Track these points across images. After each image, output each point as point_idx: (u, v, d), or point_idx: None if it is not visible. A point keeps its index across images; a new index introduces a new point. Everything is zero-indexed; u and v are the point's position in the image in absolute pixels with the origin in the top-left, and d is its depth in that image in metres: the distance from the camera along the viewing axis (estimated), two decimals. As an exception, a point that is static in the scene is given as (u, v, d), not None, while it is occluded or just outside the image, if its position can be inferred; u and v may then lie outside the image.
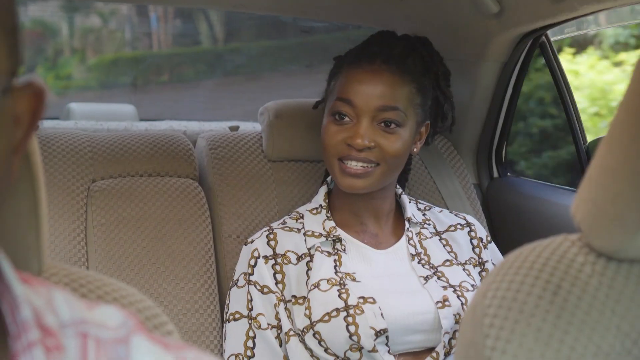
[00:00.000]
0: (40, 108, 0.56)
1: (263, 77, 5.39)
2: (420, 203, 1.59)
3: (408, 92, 1.45)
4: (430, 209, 1.59)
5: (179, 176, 1.69)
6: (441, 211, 1.59)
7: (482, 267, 1.53)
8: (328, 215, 1.49)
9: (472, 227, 1.56)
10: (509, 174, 2.05)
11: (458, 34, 1.84)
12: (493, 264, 1.55)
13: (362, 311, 1.35)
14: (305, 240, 1.46)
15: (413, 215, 1.52)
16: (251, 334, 1.42)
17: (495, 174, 2.04)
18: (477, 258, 1.53)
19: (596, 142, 1.83)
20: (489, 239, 1.58)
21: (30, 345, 0.54)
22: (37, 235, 0.70)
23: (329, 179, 1.56)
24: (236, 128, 1.99)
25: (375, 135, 1.43)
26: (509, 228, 1.93)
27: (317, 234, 1.47)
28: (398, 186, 1.56)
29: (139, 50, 5.30)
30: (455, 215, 1.59)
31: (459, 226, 1.55)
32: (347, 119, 1.44)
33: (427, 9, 1.83)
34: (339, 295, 1.37)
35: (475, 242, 1.54)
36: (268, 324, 1.41)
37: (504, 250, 1.59)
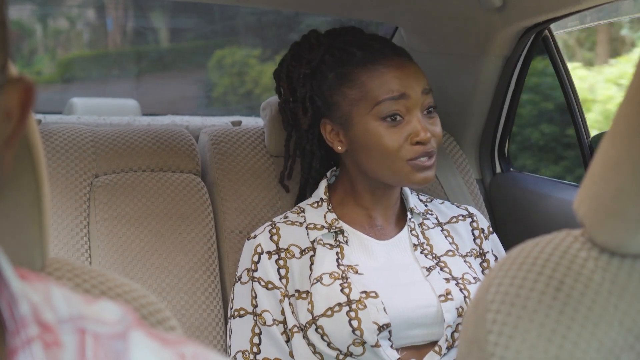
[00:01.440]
0: (30, 103, 0.56)
1: (195, 71, 6.55)
2: (421, 195, 1.60)
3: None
4: (431, 200, 1.59)
5: (182, 171, 1.69)
6: (443, 202, 1.59)
7: (483, 257, 1.53)
8: (329, 207, 1.49)
9: (474, 218, 1.56)
10: (511, 169, 2.05)
11: (460, 28, 1.84)
12: (494, 255, 1.55)
13: (365, 306, 1.35)
14: (307, 234, 1.46)
15: (415, 206, 1.52)
16: (257, 330, 1.42)
17: (498, 169, 2.03)
18: (477, 249, 1.53)
19: (599, 136, 1.83)
20: (490, 230, 1.58)
21: (29, 340, 0.54)
22: (40, 230, 0.71)
23: (328, 173, 1.56)
24: (238, 123, 1.99)
25: (427, 125, 1.43)
26: (511, 223, 1.93)
27: (319, 227, 1.46)
28: None
29: (96, 49, 6.73)
30: (457, 206, 1.59)
31: (460, 217, 1.55)
32: (399, 117, 1.42)
33: (430, 3, 1.83)
34: (342, 290, 1.37)
35: (476, 232, 1.54)
36: (273, 320, 1.41)
37: (506, 246, 1.59)
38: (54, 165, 1.60)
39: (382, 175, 1.45)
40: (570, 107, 1.88)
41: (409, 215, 1.51)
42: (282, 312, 1.41)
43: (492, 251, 1.55)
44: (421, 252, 1.46)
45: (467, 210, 1.58)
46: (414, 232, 1.49)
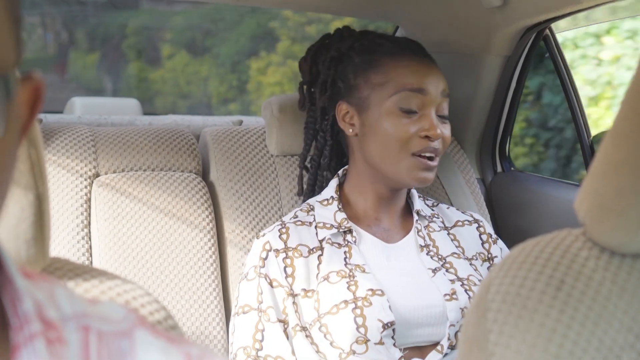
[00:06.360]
0: (39, 101, 0.56)
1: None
2: (427, 199, 1.60)
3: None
4: (437, 205, 1.59)
5: (183, 171, 1.69)
6: (449, 207, 1.60)
7: (491, 262, 1.53)
8: (339, 207, 1.49)
9: (480, 224, 1.57)
10: (512, 168, 2.05)
11: (461, 28, 1.84)
12: None
13: (370, 303, 1.36)
14: (316, 233, 1.46)
15: (422, 209, 1.53)
16: (260, 326, 1.41)
17: (499, 169, 2.03)
18: (486, 253, 1.53)
19: (600, 136, 1.83)
20: (496, 236, 1.58)
21: (32, 337, 0.54)
22: (41, 230, 0.71)
23: (340, 171, 1.56)
24: (240, 122, 1.99)
25: (439, 125, 1.45)
26: (512, 223, 1.93)
27: (328, 226, 1.47)
28: None
29: (34, 54, 9.45)
30: (463, 212, 1.59)
31: (466, 222, 1.56)
32: (413, 111, 1.44)
33: (430, 2, 1.83)
34: (348, 287, 1.38)
35: (484, 237, 1.55)
36: (277, 318, 1.41)
37: (507, 245, 1.59)
38: (55, 165, 1.60)
39: (385, 167, 1.46)
40: (571, 106, 1.88)
41: (415, 217, 1.51)
42: (284, 311, 1.41)
43: (500, 256, 1.55)
44: (427, 254, 1.47)
45: (472, 216, 1.58)
46: (420, 233, 1.50)
